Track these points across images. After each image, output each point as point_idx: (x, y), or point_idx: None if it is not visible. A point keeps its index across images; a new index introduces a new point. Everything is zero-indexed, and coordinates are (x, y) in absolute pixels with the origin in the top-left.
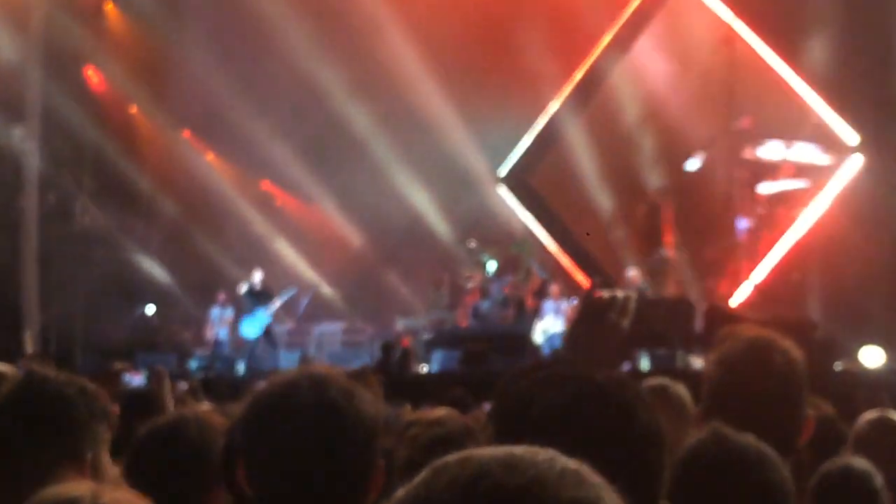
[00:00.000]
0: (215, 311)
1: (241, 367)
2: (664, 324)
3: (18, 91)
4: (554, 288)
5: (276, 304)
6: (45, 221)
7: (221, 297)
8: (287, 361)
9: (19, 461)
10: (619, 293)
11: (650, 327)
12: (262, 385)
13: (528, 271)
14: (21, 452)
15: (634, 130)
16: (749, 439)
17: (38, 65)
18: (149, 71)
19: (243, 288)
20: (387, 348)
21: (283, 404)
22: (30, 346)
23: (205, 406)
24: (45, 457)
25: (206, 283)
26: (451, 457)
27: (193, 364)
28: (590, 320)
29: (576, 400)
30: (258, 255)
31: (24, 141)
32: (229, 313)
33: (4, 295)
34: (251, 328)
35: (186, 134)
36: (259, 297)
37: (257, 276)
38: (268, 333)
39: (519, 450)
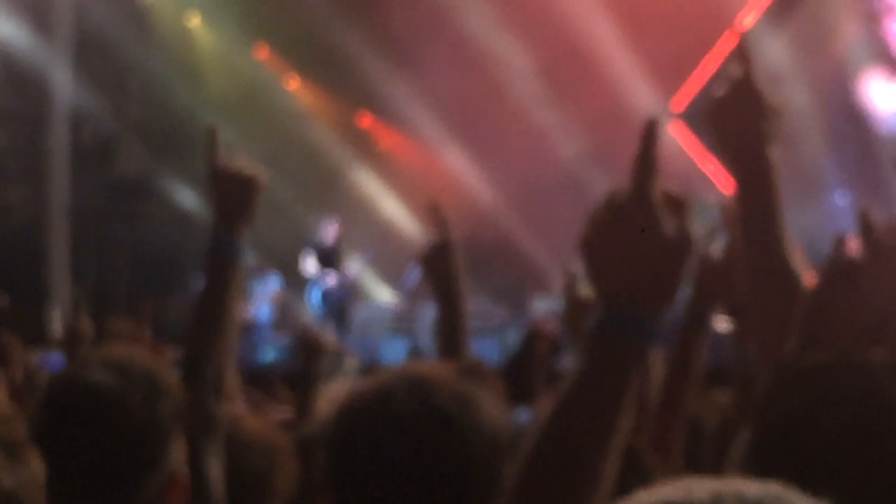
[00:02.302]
0: (257, 284)
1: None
2: None
3: None
4: None
5: (349, 268)
6: (79, 166)
7: (257, 263)
8: (392, 352)
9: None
10: None
11: None
12: (352, 390)
13: (711, 237)
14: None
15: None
16: None
17: None
18: None
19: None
20: (533, 339)
21: (375, 415)
22: (57, 327)
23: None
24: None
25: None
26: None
27: (269, 354)
28: (838, 288)
29: (873, 421)
30: (352, 210)
31: (51, 61)
32: (273, 285)
33: (26, 261)
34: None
35: (263, 53)
36: (325, 255)
37: (331, 230)
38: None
39: (764, 491)
